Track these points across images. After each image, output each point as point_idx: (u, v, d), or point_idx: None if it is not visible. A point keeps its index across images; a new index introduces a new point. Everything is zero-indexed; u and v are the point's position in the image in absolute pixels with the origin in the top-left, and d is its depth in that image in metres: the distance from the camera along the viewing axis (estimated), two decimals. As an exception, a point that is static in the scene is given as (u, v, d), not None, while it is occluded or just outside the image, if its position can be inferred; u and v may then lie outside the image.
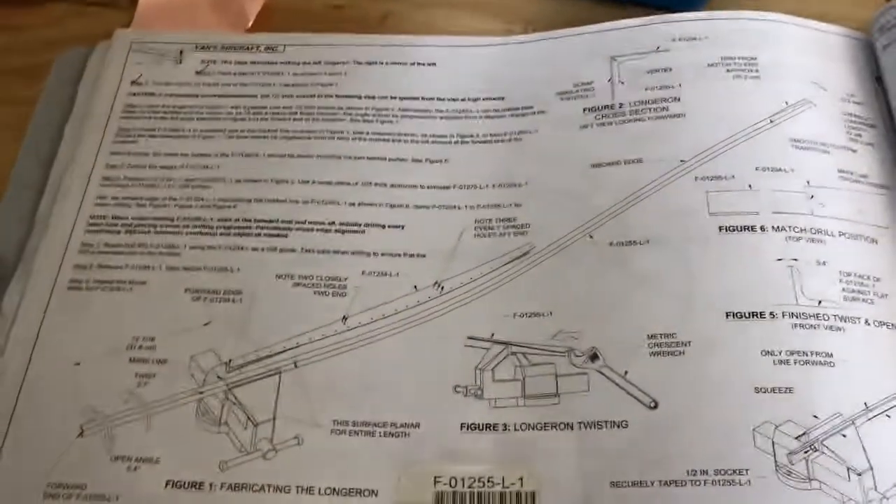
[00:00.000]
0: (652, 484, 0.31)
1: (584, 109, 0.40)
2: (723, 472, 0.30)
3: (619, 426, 0.32)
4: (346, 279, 0.36)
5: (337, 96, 0.42)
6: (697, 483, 0.30)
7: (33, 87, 0.43)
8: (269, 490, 0.32)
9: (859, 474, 0.30)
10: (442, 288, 0.36)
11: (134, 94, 0.42)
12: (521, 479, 0.32)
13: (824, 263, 0.35)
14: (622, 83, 0.41)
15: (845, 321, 0.33)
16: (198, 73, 0.43)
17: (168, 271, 0.37)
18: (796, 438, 0.31)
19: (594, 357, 0.34)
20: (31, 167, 0.40)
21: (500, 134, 0.40)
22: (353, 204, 0.38)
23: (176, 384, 0.34)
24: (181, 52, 0.43)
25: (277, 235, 0.38)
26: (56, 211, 0.38)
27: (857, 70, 0.41)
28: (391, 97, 0.42)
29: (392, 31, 0.45)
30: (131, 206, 0.39)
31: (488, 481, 0.32)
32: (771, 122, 0.38)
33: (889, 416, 0.31)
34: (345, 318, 0.36)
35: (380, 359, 0.35)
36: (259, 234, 0.38)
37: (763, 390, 0.32)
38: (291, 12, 0.47)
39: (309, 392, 0.34)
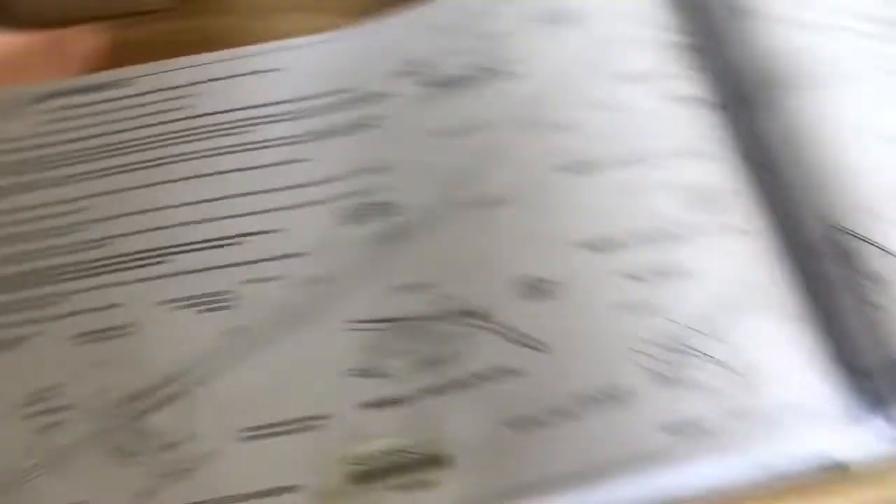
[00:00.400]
0: (550, 421, 0.33)
1: (422, 83, 0.42)
2: (609, 393, 0.33)
3: (512, 373, 0.34)
4: (228, 292, 0.37)
5: (190, 117, 0.42)
6: (589, 409, 0.33)
7: None
8: (192, 509, 0.33)
9: (728, 369, 0.33)
10: (324, 280, 0.37)
11: (-26, 157, 0.42)
12: (431, 441, 0.33)
13: (668, 183, 0.37)
14: (453, 52, 0.42)
15: (696, 233, 0.36)
16: (44, 122, 0.43)
17: (53, 322, 0.37)
18: (668, 349, 0.33)
19: (475, 314, 0.35)
20: None
21: (349, 124, 0.42)
22: (223, 217, 0.39)
23: (81, 427, 0.35)
24: (22, 106, 0.43)
25: (155, 263, 0.38)
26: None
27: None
28: (243, 107, 0.42)
29: (237, 45, 0.46)
30: (4, 265, 0.39)
31: (400, 452, 0.33)
32: (595, 64, 0.40)
33: (748, 312, 0.34)
34: (234, 329, 0.37)
35: (276, 360, 0.36)
36: (135, 267, 0.38)
37: (631, 310, 0.34)
38: (132, 47, 0.47)
39: (215, 407, 0.35)
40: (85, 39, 0.46)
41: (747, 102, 0.39)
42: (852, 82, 0.38)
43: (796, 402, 0.32)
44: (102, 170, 0.41)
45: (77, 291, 0.38)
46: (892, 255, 0.33)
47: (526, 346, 0.34)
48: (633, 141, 0.38)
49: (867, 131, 0.37)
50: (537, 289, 0.35)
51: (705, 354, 0.33)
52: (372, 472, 0.33)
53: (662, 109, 0.39)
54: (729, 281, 0.35)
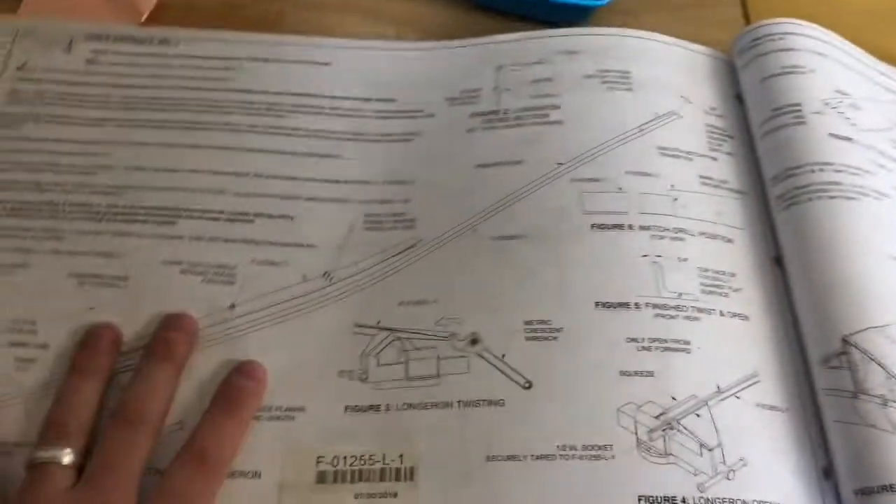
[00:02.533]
0: (525, 458, 0.33)
1: (471, 114, 0.43)
2: (590, 448, 0.33)
3: (496, 405, 0.34)
4: (234, 267, 0.37)
5: (230, 90, 0.43)
6: (567, 457, 0.33)
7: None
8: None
9: (710, 450, 0.33)
10: (331, 278, 0.37)
11: (20, 80, 0.42)
12: (401, 455, 0.33)
13: (685, 260, 0.38)
14: (507, 91, 0.43)
15: (702, 312, 0.36)
16: (88, 62, 0.43)
17: (51, 255, 0.37)
18: (656, 417, 0.33)
19: (474, 341, 0.36)
20: None
21: (390, 134, 0.42)
22: (243, 194, 0.39)
23: (58, 369, 0.34)
24: (71, 41, 0.43)
25: (165, 223, 0.38)
26: (-67, 194, 0.38)
27: (719, 86, 0.44)
28: (285, 93, 0.43)
29: (285, 31, 0.46)
30: (13, 189, 0.38)
31: (369, 459, 0.33)
32: (640, 130, 0.41)
33: (738, 398, 0.34)
34: (233, 305, 0.36)
35: (268, 346, 0.35)
36: (146, 221, 0.38)
37: (627, 373, 0.34)
38: (185, 9, 0.47)
39: (195, 379, 0.35)
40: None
41: (766, 195, 0.40)
42: (871, 199, 0.39)
43: (766, 499, 0.32)
44: (133, 120, 0.41)
45: (84, 232, 0.37)
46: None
47: (516, 382, 0.34)
48: (664, 212, 0.39)
49: (881, 249, 0.37)
50: (540, 330, 0.36)
51: (693, 434, 0.33)
52: (338, 474, 0.33)
53: (696, 188, 0.40)
54: (726, 365, 0.35)
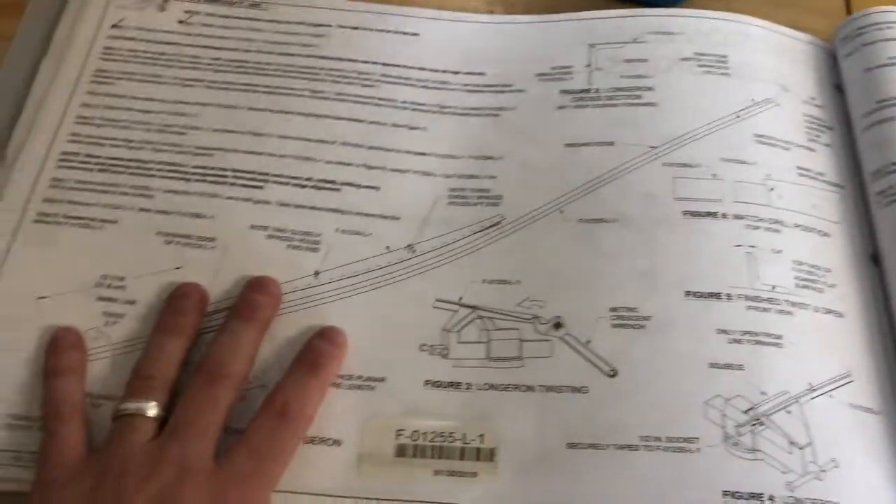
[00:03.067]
0: (607, 447, 0.32)
1: (562, 91, 0.42)
2: (674, 440, 0.32)
3: (578, 391, 0.33)
4: (319, 235, 0.37)
5: (319, 57, 0.42)
6: (650, 448, 0.32)
7: (9, 24, 0.42)
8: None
9: (801, 448, 0.32)
10: (414, 251, 0.37)
11: (114, 38, 0.42)
12: (482, 436, 0.33)
13: (780, 252, 0.36)
14: (599, 70, 0.42)
15: (795, 306, 0.35)
16: (180, 22, 0.43)
17: (140, 213, 0.37)
18: (744, 412, 0.32)
19: (558, 325, 0.35)
20: (5, 103, 0.40)
21: (478, 108, 0.41)
22: (330, 162, 0.39)
23: (145, 325, 0.34)
24: (165, 0, 0.43)
25: (253, 186, 0.38)
26: (27, 146, 0.38)
27: (819, 76, 0.43)
28: (374, 62, 0.42)
29: (374, 0, 0.46)
30: (105, 145, 0.38)
31: (450, 436, 0.33)
32: (737, 116, 0.40)
33: (831, 396, 0.33)
34: (317, 273, 0.36)
35: (349, 315, 0.35)
36: (234, 184, 0.38)
37: (716, 366, 0.33)
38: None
39: (277, 343, 0.35)
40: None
41: (865, 190, 0.39)
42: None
43: (857, 502, 0.31)
44: (222, 83, 0.41)
45: (173, 192, 0.38)
46: None
47: (600, 369, 0.34)
48: (759, 202, 0.37)
49: None
50: (627, 317, 0.35)
51: (783, 431, 0.32)
52: (418, 449, 0.32)
53: (792, 179, 0.38)
54: (819, 362, 0.34)
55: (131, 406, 0.31)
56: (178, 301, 0.34)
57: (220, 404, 0.31)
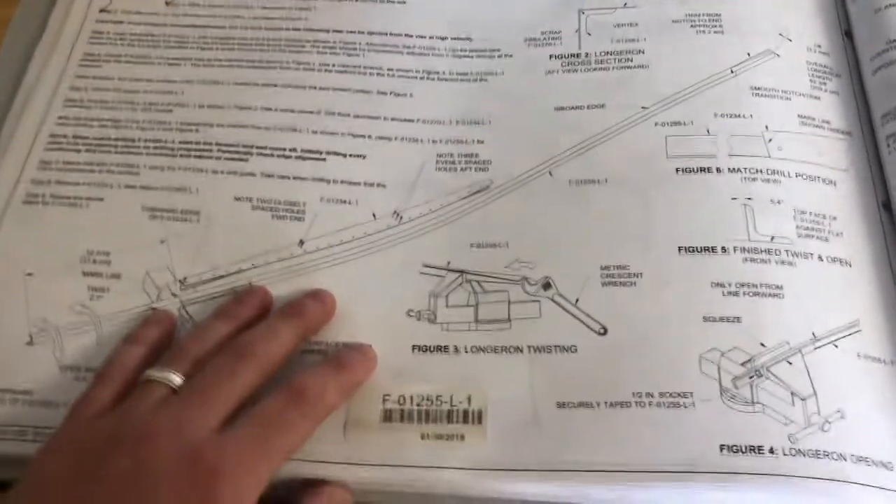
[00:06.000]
0: (598, 405, 0.31)
1: (551, 56, 0.41)
2: (668, 395, 0.31)
3: (568, 350, 0.32)
4: (304, 204, 0.36)
5: (305, 29, 0.42)
6: (642, 404, 0.31)
7: (9, 9, 0.43)
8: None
9: (803, 399, 0.30)
10: (400, 217, 0.36)
11: (102, 21, 0.42)
12: (469, 397, 0.32)
13: (779, 202, 0.35)
14: (589, 34, 0.41)
15: (797, 256, 0.34)
16: (168, 3, 0.43)
17: (126, 189, 0.37)
18: (742, 364, 0.31)
19: (547, 286, 0.34)
20: (3, 88, 0.40)
21: (465, 73, 0.41)
22: (315, 132, 0.39)
23: (129, 299, 0.34)
24: (153, -18, 0.43)
25: (238, 159, 0.38)
26: (18, 129, 0.38)
27: (826, 22, 0.41)
28: (359, 31, 0.42)
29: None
30: (93, 126, 0.39)
31: (437, 399, 0.32)
32: (732, 72, 0.39)
33: (836, 346, 0.32)
34: (302, 242, 0.36)
35: (335, 283, 0.35)
36: (219, 158, 0.38)
37: (711, 319, 0.32)
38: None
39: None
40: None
41: (876, 136, 0.37)
42: None
43: (865, 454, 0.29)
44: (208, 60, 0.41)
45: (158, 167, 0.37)
46: None
47: (590, 327, 0.33)
48: (757, 153, 0.36)
49: None
50: (618, 275, 0.34)
51: (784, 383, 0.30)
52: (405, 413, 0.32)
53: (793, 128, 0.37)
54: (824, 312, 0.32)
55: (157, 374, 0.30)
56: (242, 294, 0.34)
57: (238, 379, 0.30)
